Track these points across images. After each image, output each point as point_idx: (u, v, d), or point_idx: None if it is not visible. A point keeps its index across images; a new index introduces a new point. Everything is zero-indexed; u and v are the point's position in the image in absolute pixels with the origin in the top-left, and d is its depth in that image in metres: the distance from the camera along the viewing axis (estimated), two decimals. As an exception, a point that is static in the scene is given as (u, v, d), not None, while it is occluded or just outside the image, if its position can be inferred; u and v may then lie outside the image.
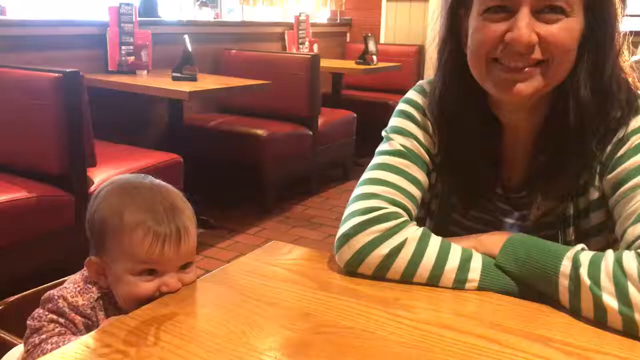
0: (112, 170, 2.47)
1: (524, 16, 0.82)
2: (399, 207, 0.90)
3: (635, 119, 0.87)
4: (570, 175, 0.91)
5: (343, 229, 0.89)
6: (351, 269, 0.87)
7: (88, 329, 0.91)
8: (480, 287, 0.84)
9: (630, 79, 0.92)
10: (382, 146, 0.99)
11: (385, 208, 0.89)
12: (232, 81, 3.27)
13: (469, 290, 0.84)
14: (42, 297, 0.94)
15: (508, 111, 0.95)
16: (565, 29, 0.83)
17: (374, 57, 4.46)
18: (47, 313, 0.91)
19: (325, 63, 4.11)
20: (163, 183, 0.97)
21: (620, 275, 0.74)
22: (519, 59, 0.84)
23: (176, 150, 2.83)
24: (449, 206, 1.01)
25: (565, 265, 0.78)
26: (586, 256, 0.78)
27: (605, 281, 0.74)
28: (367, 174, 0.96)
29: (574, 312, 0.77)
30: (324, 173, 4.08)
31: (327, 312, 0.78)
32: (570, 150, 0.89)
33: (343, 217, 0.91)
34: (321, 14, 5.61)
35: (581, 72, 0.87)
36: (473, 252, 0.86)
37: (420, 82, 1.05)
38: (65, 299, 0.92)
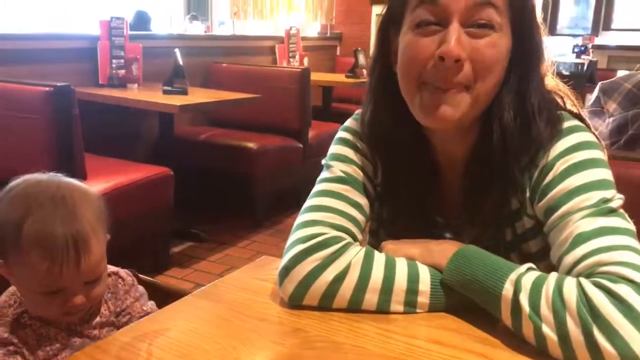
0: (103, 184, 2.47)
1: (454, 30, 0.79)
2: (341, 230, 0.88)
3: (558, 143, 0.85)
4: (495, 200, 0.89)
5: (283, 261, 0.85)
6: (296, 302, 0.83)
7: (16, 353, 0.92)
8: (431, 310, 0.82)
9: (558, 98, 0.91)
10: (323, 174, 0.97)
11: (326, 233, 0.86)
12: (222, 95, 3.28)
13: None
14: None
15: (439, 135, 0.93)
16: (493, 45, 0.81)
17: (364, 71, 4.49)
18: None
19: (315, 76, 4.14)
20: (69, 185, 0.95)
21: (559, 306, 0.70)
22: (446, 78, 0.81)
23: (167, 164, 2.83)
24: (395, 233, 0.96)
25: (507, 289, 0.75)
26: (529, 279, 0.74)
27: (545, 310, 0.71)
28: (308, 202, 0.94)
29: (519, 337, 0.74)
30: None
31: (317, 327, 0.79)
32: (494, 174, 0.87)
33: (285, 248, 0.87)
34: (311, 28, 5.65)
35: (507, 94, 0.85)
36: (420, 272, 0.83)
37: (359, 110, 1.01)
38: None
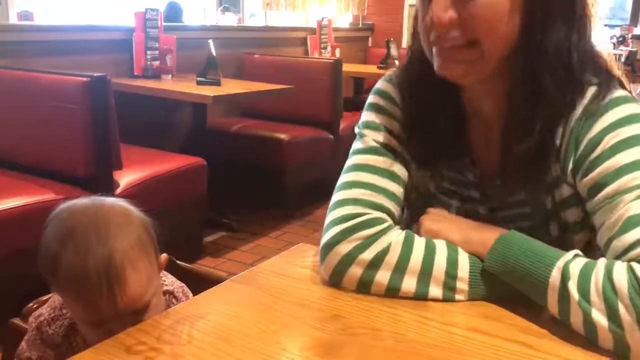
0: (138, 173, 2.51)
1: None
2: (381, 210, 0.87)
3: (608, 114, 0.80)
4: (526, 161, 0.84)
5: (325, 238, 0.85)
6: (336, 280, 0.84)
7: (59, 358, 0.92)
8: (471, 298, 0.81)
9: (606, 63, 0.86)
10: (356, 144, 0.96)
11: (367, 214, 0.85)
12: (255, 86, 3.30)
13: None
14: (29, 320, 0.96)
15: (467, 89, 0.90)
16: (486, 5, 0.78)
17: (396, 62, 4.45)
18: (25, 351, 0.93)
19: (347, 67, 4.12)
20: (109, 210, 0.91)
21: (610, 292, 0.69)
22: (444, 41, 0.81)
23: (200, 154, 2.87)
24: (426, 196, 0.95)
25: (555, 277, 0.73)
26: (577, 266, 0.73)
27: (595, 296, 0.69)
28: (344, 177, 0.92)
29: (566, 326, 0.73)
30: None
31: (356, 313, 0.79)
32: (526, 131, 0.83)
33: (324, 226, 0.87)
34: (343, 19, 5.63)
35: (530, 42, 0.81)
36: (459, 259, 0.82)
37: (389, 72, 1.00)
38: (38, 329, 0.93)
